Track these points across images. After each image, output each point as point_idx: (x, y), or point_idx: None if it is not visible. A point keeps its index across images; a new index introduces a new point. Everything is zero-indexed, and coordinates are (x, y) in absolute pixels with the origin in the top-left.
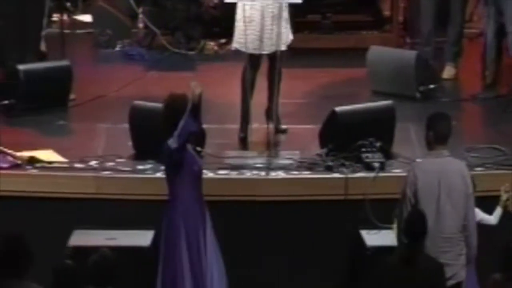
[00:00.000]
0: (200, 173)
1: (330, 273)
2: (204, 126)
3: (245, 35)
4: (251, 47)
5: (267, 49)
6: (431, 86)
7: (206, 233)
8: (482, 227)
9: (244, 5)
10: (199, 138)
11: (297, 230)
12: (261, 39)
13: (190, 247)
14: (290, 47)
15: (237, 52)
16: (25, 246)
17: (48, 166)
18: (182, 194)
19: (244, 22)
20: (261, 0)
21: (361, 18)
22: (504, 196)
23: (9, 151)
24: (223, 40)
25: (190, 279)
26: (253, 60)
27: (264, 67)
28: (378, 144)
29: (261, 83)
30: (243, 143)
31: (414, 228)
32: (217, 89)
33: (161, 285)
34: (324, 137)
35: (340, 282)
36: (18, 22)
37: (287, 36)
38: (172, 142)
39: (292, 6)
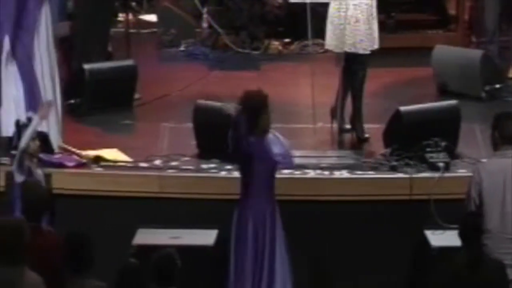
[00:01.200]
0: (273, 171)
1: (394, 273)
2: None
3: (343, 35)
4: (347, 46)
5: (354, 48)
6: (497, 85)
7: (275, 233)
8: None
9: (339, 5)
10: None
11: (360, 230)
12: (343, 38)
13: (257, 246)
14: None
15: (301, 52)
16: (88, 244)
17: (113, 165)
18: (253, 192)
19: (333, 23)
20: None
21: (426, 17)
22: None
23: (75, 150)
24: (287, 40)
25: (250, 278)
26: (346, 60)
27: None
28: (443, 144)
29: (324, 81)
30: (363, 142)
31: (467, 229)
32: (281, 88)
33: (233, 283)
34: (389, 137)
35: (404, 282)
36: (88, 22)
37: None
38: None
39: None
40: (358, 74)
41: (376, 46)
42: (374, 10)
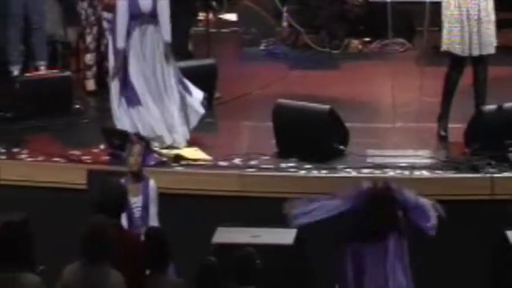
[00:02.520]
0: None
1: (474, 273)
2: (348, 124)
3: (449, 36)
4: (456, 49)
5: (473, 52)
6: None
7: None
8: None
9: (451, 5)
10: (342, 136)
11: (441, 229)
12: (469, 41)
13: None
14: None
15: (381, 50)
16: (168, 242)
17: (193, 163)
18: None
19: (450, 23)
20: (468, 2)
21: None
22: None
23: (156, 149)
24: (367, 39)
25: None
26: (457, 62)
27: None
28: None
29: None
30: (443, 141)
31: None
32: (361, 87)
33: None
34: (470, 136)
35: (484, 282)
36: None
37: (494, 39)
38: None
39: None
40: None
41: (492, 50)
42: (492, 14)
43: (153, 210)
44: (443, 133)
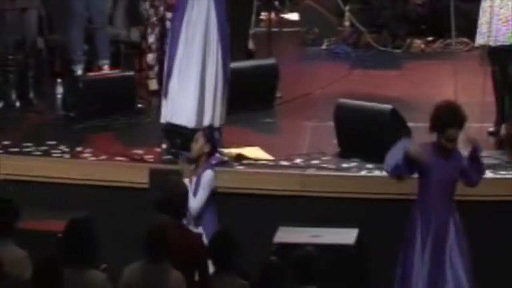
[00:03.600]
0: (446, 179)
1: None
2: (410, 124)
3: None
4: (480, 40)
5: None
6: None
7: (447, 236)
8: None
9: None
10: (405, 136)
11: (503, 230)
12: (496, 35)
13: (424, 248)
14: None
15: (444, 50)
16: (232, 241)
17: (255, 163)
18: (425, 194)
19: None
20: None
21: None
22: None
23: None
24: (430, 38)
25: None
26: (490, 55)
27: None
28: None
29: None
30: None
31: None
32: (423, 87)
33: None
34: None
35: None
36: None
37: None
38: None
39: None
40: None
41: None
42: None
43: (200, 193)
44: (490, 129)
